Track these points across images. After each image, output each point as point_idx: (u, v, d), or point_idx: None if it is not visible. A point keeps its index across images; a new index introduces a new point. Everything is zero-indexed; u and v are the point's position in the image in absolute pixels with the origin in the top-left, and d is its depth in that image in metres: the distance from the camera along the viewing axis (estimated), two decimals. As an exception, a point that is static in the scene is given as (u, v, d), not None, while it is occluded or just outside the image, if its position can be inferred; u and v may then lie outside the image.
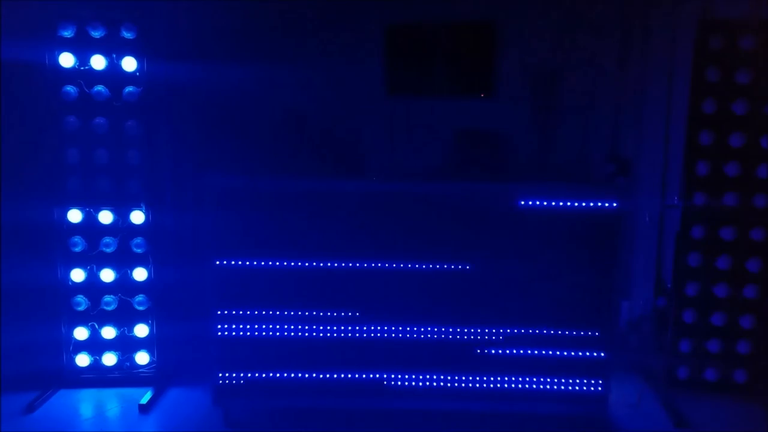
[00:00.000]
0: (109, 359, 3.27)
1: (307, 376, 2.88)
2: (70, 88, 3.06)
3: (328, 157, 3.65)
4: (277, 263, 2.80)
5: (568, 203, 2.74)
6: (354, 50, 3.67)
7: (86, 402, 3.13)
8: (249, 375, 2.87)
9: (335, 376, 2.88)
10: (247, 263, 2.80)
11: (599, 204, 2.73)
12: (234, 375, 2.87)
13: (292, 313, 2.84)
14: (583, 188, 2.78)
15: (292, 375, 2.88)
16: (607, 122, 3.61)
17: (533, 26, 3.60)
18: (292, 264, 2.80)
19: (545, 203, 2.74)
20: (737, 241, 3.09)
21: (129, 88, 3.10)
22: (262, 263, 2.80)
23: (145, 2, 3.13)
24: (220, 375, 2.87)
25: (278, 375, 2.88)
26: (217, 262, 2.79)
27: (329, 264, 2.80)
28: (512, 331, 2.84)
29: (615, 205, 2.72)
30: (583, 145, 3.63)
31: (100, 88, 3.08)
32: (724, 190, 3.07)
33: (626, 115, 3.60)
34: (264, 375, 2.88)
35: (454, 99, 3.67)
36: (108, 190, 3.15)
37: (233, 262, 2.80)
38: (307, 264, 2.80)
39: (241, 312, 2.84)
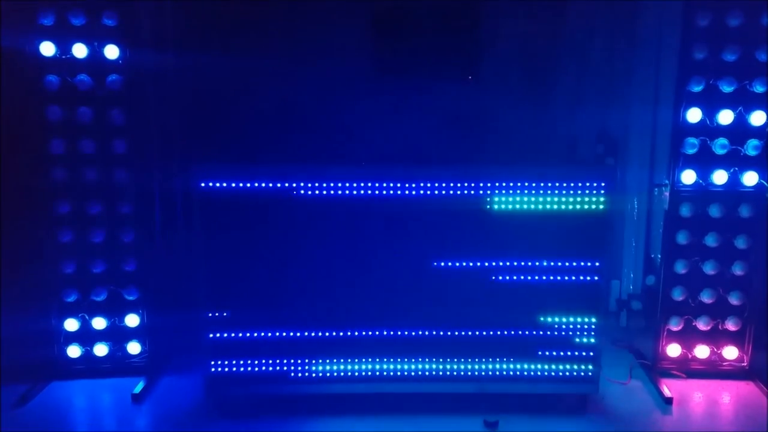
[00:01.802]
0: (101, 350, 3.26)
1: (299, 361, 2.89)
2: (52, 78, 3.02)
3: (316, 142, 3.62)
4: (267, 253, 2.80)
5: (557, 184, 2.74)
6: (343, 33, 3.62)
7: (79, 393, 3.12)
8: (241, 363, 2.87)
9: (327, 364, 2.90)
10: (238, 254, 2.79)
11: (589, 184, 2.74)
12: (226, 363, 2.87)
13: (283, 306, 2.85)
14: (572, 169, 2.79)
15: (284, 362, 2.89)
16: (596, 102, 3.60)
17: (521, 7, 3.57)
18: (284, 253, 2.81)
19: (534, 186, 2.74)
20: (725, 219, 3.10)
21: (112, 77, 3.06)
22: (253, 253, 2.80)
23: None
24: (212, 363, 2.87)
25: (270, 363, 2.89)
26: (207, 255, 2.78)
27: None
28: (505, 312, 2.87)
29: (604, 185, 2.73)
30: (572, 125, 3.62)
31: (83, 77, 3.04)
32: (712, 168, 3.07)
33: (615, 95, 3.59)
34: (256, 363, 2.88)
35: (441, 80, 3.64)
36: (95, 180, 3.12)
37: (223, 254, 2.79)
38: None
39: (231, 303, 2.83)
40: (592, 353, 2.87)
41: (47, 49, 3.00)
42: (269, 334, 2.86)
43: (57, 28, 3.00)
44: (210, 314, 2.83)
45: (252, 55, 3.58)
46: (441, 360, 2.90)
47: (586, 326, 2.86)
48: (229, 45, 3.55)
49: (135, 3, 3.08)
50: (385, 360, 2.90)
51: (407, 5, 3.64)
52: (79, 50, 3.02)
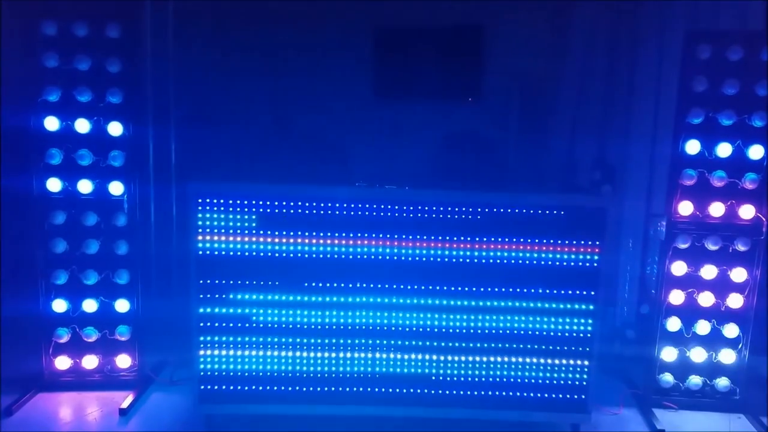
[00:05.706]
0: (90, 362, 3.23)
1: (291, 386, 2.88)
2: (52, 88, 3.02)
3: (314, 161, 3.63)
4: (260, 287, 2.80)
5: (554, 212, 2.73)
6: (343, 54, 3.64)
7: (66, 405, 3.09)
8: (231, 385, 2.86)
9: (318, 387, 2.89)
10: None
11: (586, 209, 2.73)
12: (216, 382, 2.85)
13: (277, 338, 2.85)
14: (569, 196, 2.79)
15: (276, 385, 2.88)
16: (595, 129, 3.61)
17: (521, 32, 3.59)
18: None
19: (532, 212, 2.73)
20: (721, 251, 3.10)
21: (113, 90, 3.05)
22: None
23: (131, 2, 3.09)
24: (202, 387, 2.85)
25: (262, 386, 2.88)
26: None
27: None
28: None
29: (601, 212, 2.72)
30: (570, 151, 3.63)
31: (83, 89, 3.03)
32: (709, 200, 3.08)
33: (614, 122, 3.60)
34: (247, 382, 2.87)
35: (442, 103, 3.66)
36: (90, 192, 3.11)
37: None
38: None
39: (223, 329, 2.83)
40: (584, 382, 2.86)
41: (48, 59, 3.00)
42: (261, 354, 2.85)
43: (60, 38, 3.00)
44: (202, 337, 2.82)
45: (255, 71, 3.60)
46: (433, 383, 2.89)
47: (579, 354, 2.84)
48: (229, 65, 3.57)
49: (138, 18, 3.08)
50: (376, 381, 2.89)
51: (408, 26, 3.66)
52: (83, 62, 3.02)
